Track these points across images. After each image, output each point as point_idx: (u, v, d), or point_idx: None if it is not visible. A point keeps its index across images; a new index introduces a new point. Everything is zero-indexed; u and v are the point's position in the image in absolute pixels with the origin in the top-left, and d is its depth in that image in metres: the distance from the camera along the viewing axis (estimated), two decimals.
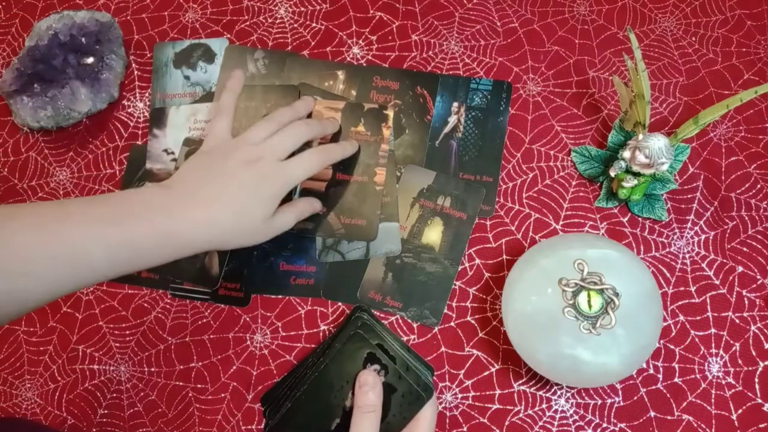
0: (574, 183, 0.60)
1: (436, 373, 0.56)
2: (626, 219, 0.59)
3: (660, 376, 0.55)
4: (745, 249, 0.58)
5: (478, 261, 0.59)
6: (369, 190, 0.60)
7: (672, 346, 0.55)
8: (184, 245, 0.46)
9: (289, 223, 0.53)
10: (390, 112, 0.62)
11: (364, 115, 0.62)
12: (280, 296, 0.59)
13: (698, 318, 0.56)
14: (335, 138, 0.61)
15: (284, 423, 0.50)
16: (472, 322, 0.57)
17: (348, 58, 0.65)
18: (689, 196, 0.59)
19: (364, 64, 0.65)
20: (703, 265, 0.57)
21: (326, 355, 0.51)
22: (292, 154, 0.53)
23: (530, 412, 0.55)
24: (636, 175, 0.54)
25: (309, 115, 0.60)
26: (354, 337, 0.51)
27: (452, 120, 0.62)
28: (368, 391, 0.48)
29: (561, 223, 0.59)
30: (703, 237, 0.58)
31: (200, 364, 0.58)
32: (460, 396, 0.55)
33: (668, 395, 0.54)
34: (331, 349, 0.51)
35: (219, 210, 0.47)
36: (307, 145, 0.55)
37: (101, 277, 0.44)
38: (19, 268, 0.40)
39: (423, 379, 0.50)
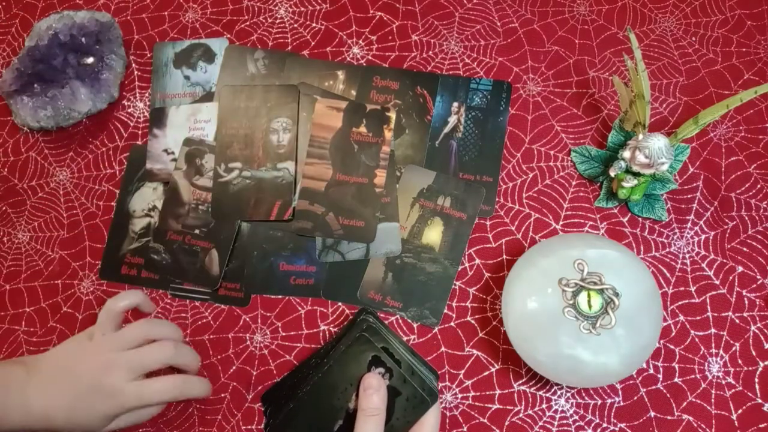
0: (574, 183, 0.60)
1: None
2: (626, 219, 0.59)
3: (660, 376, 0.55)
4: (745, 249, 0.58)
5: (478, 261, 0.59)
6: (368, 191, 0.60)
7: (672, 346, 0.55)
8: (21, 423, 0.49)
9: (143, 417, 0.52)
10: (392, 114, 0.62)
11: (366, 116, 0.62)
12: (280, 296, 0.59)
13: (698, 318, 0.56)
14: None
15: (286, 423, 0.50)
16: (472, 322, 0.57)
17: (348, 58, 0.65)
18: (689, 196, 0.59)
19: (364, 64, 0.65)
20: (703, 265, 0.57)
21: (330, 356, 0.51)
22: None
23: (530, 412, 0.55)
24: (636, 175, 0.54)
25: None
26: (359, 340, 0.51)
27: (452, 120, 0.62)
28: (373, 394, 0.48)
29: (561, 223, 0.59)
30: (703, 237, 0.58)
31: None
32: (460, 396, 0.55)
33: (668, 395, 0.54)
34: (336, 350, 0.51)
35: (55, 410, 0.49)
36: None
37: None
38: None
39: (428, 383, 0.50)
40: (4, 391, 0.49)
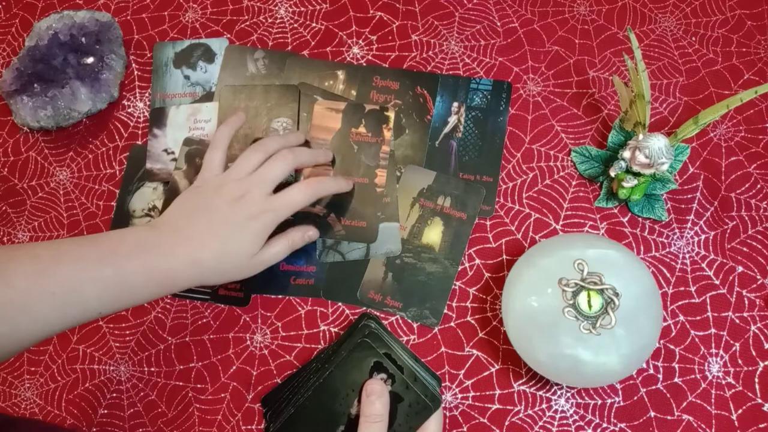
0: (574, 183, 0.60)
1: (436, 374, 0.56)
2: (626, 219, 0.59)
3: (660, 376, 0.55)
4: (745, 249, 0.58)
5: (478, 261, 0.59)
6: (369, 191, 0.60)
7: (672, 346, 0.55)
8: (171, 284, 0.48)
9: (280, 254, 0.53)
10: (391, 114, 0.62)
11: (365, 117, 0.62)
12: (280, 296, 0.59)
13: (698, 318, 0.56)
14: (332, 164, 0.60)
15: (287, 428, 0.50)
16: (472, 322, 0.57)
17: (348, 58, 0.65)
18: (689, 196, 0.59)
19: (364, 64, 0.65)
20: (703, 265, 0.57)
21: (331, 361, 0.51)
22: (286, 185, 0.53)
23: (530, 412, 0.55)
24: (636, 175, 0.54)
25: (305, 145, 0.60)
26: (361, 345, 0.51)
27: (452, 120, 0.62)
28: (375, 401, 0.48)
29: (561, 223, 0.59)
30: (703, 237, 0.58)
31: (200, 364, 0.58)
32: (460, 396, 0.55)
33: (668, 395, 0.54)
34: (337, 355, 0.51)
35: (202, 251, 0.48)
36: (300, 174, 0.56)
37: (94, 314, 0.45)
38: (17, 311, 0.42)
39: (431, 389, 0.50)
40: (140, 252, 0.46)
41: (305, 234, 0.56)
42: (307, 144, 0.60)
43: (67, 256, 0.44)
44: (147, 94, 0.66)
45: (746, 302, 0.56)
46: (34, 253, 0.44)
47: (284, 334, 0.58)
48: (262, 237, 0.50)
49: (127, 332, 0.59)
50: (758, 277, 0.57)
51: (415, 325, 0.57)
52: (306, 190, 0.53)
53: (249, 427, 0.56)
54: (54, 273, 0.43)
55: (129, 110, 0.66)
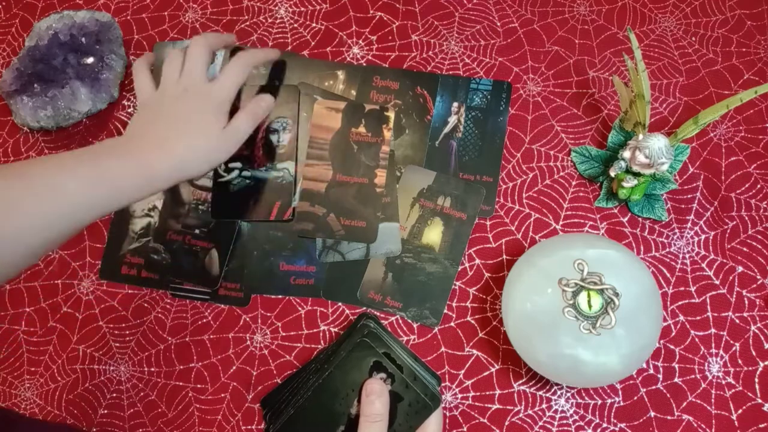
0: (574, 183, 0.60)
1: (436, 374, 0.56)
2: (626, 219, 0.59)
3: (660, 376, 0.55)
4: (745, 249, 0.58)
5: (478, 261, 0.59)
6: (369, 191, 0.60)
7: (672, 346, 0.55)
8: (149, 181, 0.49)
9: (247, 126, 0.54)
10: (391, 114, 0.62)
11: (365, 116, 0.62)
12: (280, 296, 0.59)
13: (698, 318, 0.56)
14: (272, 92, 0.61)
15: (287, 428, 0.50)
16: (472, 322, 0.57)
17: (348, 58, 0.65)
18: (689, 196, 0.59)
19: (364, 64, 0.65)
20: (703, 265, 0.57)
21: (331, 361, 0.51)
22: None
23: (530, 412, 0.55)
24: (636, 175, 0.54)
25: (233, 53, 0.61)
26: (360, 345, 0.51)
27: (452, 120, 0.62)
28: (375, 400, 0.48)
29: (561, 223, 0.59)
30: (703, 237, 0.58)
31: (200, 364, 0.58)
32: (460, 396, 0.55)
33: (668, 395, 0.54)
34: (336, 355, 0.51)
35: (172, 145, 0.50)
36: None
37: (81, 216, 0.46)
38: (10, 217, 0.43)
39: (430, 388, 0.50)
40: (115, 152, 0.48)
41: (263, 102, 0.57)
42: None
43: (46, 159, 0.47)
44: None
45: (746, 302, 0.56)
46: (22, 164, 0.46)
47: (284, 334, 0.58)
48: (221, 112, 0.53)
49: (127, 332, 0.59)
50: (758, 277, 0.57)
51: (415, 325, 0.57)
52: (238, 64, 0.55)
53: (249, 427, 0.56)
54: (40, 175, 0.45)
55: (129, 110, 0.66)
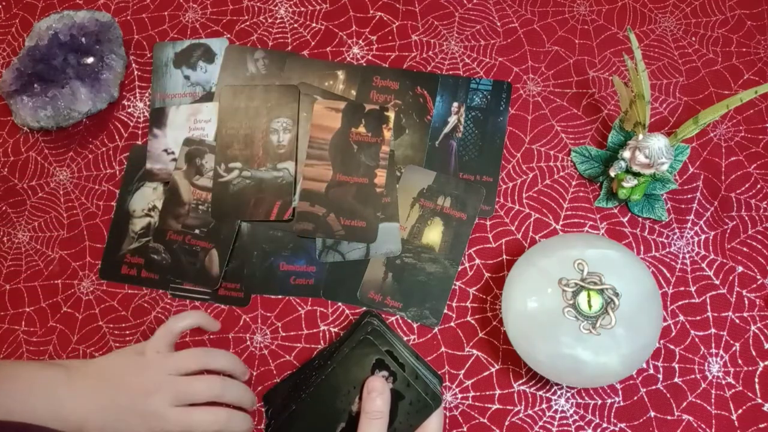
0: (574, 183, 0.60)
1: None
2: (626, 219, 0.59)
3: (660, 376, 0.55)
4: (745, 249, 0.58)
5: (478, 261, 0.59)
6: (369, 191, 0.60)
7: (672, 346, 0.55)
8: (54, 422, 0.47)
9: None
10: (391, 114, 0.62)
11: (365, 116, 0.62)
12: (280, 296, 0.59)
13: (698, 318, 0.56)
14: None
15: (288, 424, 0.50)
16: (472, 322, 0.57)
17: (348, 58, 0.65)
18: (689, 196, 0.59)
19: (364, 64, 0.65)
20: (703, 265, 0.57)
21: (333, 358, 0.51)
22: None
23: (530, 412, 0.55)
24: (636, 175, 0.54)
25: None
26: (363, 343, 0.51)
27: (452, 120, 0.62)
28: (376, 398, 0.48)
29: (561, 223, 0.59)
30: (703, 237, 0.58)
31: None
32: (460, 396, 0.55)
33: (668, 395, 0.54)
34: (339, 353, 0.51)
35: (93, 418, 0.48)
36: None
37: None
38: None
39: (431, 387, 0.50)
40: (40, 392, 0.47)
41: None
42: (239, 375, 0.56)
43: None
44: (147, 94, 0.66)
45: (746, 302, 0.56)
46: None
47: (284, 334, 0.58)
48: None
49: (127, 332, 0.59)
50: (758, 277, 0.57)
51: (415, 325, 0.57)
52: (210, 424, 0.49)
53: None
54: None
55: (129, 110, 0.66)
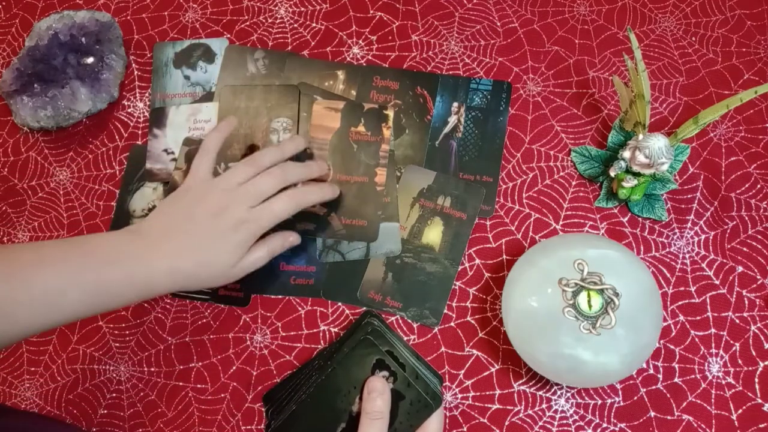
0: (574, 183, 0.60)
1: None
2: (626, 219, 0.59)
3: (660, 376, 0.55)
4: (745, 249, 0.58)
5: (478, 261, 0.59)
6: (370, 190, 0.60)
7: (672, 346, 0.55)
8: (150, 291, 0.49)
9: (261, 260, 0.53)
10: (390, 112, 0.62)
11: (364, 115, 0.62)
12: (280, 296, 0.59)
13: (698, 318, 0.56)
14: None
15: (288, 425, 0.50)
16: (472, 322, 0.57)
17: (348, 58, 0.65)
18: (689, 196, 0.59)
19: (364, 64, 0.65)
20: (703, 265, 0.57)
21: (334, 359, 0.51)
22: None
23: (530, 412, 0.55)
24: (636, 175, 0.54)
25: (303, 155, 0.59)
26: (363, 343, 0.51)
27: (452, 120, 0.62)
28: (377, 398, 0.48)
29: (561, 223, 0.59)
30: (703, 237, 0.58)
31: (200, 364, 0.58)
32: (460, 396, 0.55)
33: (668, 395, 0.54)
34: (340, 353, 0.51)
35: (181, 262, 0.49)
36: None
37: (72, 318, 0.46)
38: (3, 323, 0.42)
39: (432, 387, 0.50)
40: (121, 258, 0.47)
41: (285, 240, 0.56)
42: (304, 154, 0.59)
43: (48, 260, 0.45)
44: (147, 94, 0.66)
45: (746, 302, 0.56)
46: (15, 256, 0.45)
47: (284, 334, 0.58)
48: (242, 248, 0.51)
49: (127, 332, 0.59)
50: (758, 277, 0.57)
51: (415, 325, 0.57)
52: (289, 201, 0.53)
53: (249, 427, 0.56)
54: (34, 278, 0.44)
55: (129, 110, 0.66)
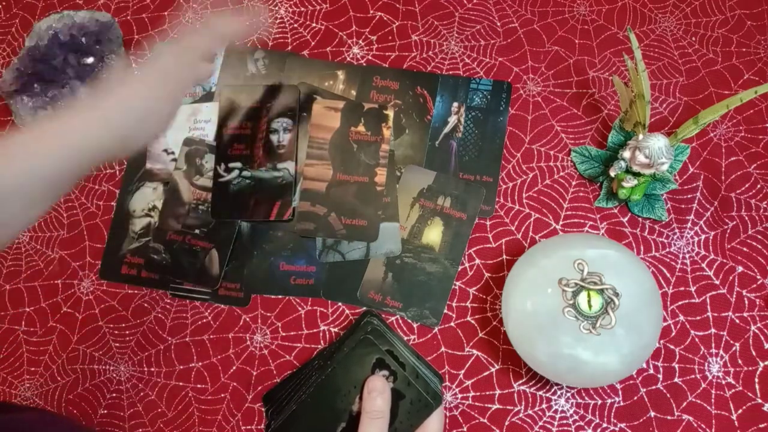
0: (574, 183, 0.60)
1: None
2: (626, 219, 0.59)
3: (660, 376, 0.55)
4: (745, 249, 0.58)
5: (478, 261, 0.59)
6: (370, 190, 0.60)
7: (672, 346, 0.55)
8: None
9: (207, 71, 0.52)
10: (390, 112, 0.62)
11: (364, 115, 0.62)
12: (280, 296, 0.59)
13: (698, 318, 0.56)
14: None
15: (288, 425, 0.50)
16: (472, 322, 0.57)
17: (348, 58, 0.65)
18: (689, 196, 0.59)
19: (364, 64, 0.65)
20: (703, 265, 0.57)
21: (334, 358, 0.51)
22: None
23: (530, 412, 0.55)
24: (636, 175, 0.54)
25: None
26: (363, 342, 0.51)
27: (452, 120, 0.62)
28: (377, 397, 0.48)
29: (561, 223, 0.59)
30: (703, 237, 0.58)
31: (200, 364, 0.58)
32: (460, 396, 0.55)
33: (668, 395, 0.54)
34: (339, 352, 0.51)
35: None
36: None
37: (85, 155, 0.44)
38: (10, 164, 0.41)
39: (432, 386, 0.50)
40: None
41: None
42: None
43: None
44: None
45: (746, 302, 0.56)
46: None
47: (284, 334, 0.58)
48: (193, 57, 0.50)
49: (127, 332, 0.59)
50: (758, 277, 0.57)
51: (415, 325, 0.57)
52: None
53: (249, 427, 0.56)
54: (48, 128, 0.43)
55: None
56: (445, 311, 0.57)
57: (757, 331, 0.55)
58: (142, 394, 0.58)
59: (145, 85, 0.48)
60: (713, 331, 0.56)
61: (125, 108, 0.47)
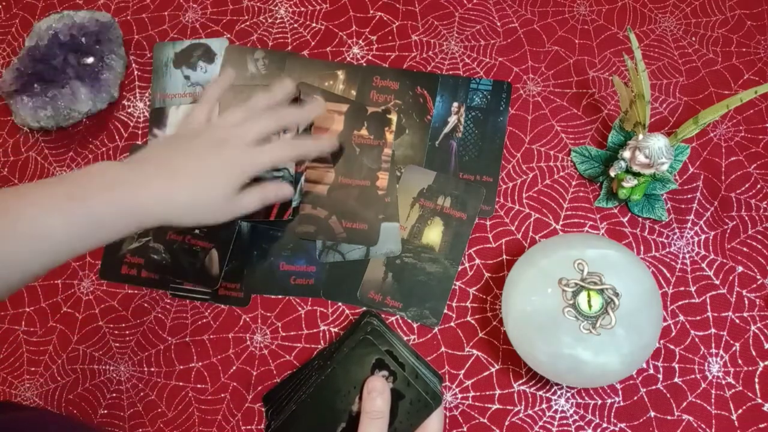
0: (574, 183, 0.60)
1: None
2: (626, 219, 0.59)
3: (660, 376, 0.55)
4: (745, 249, 0.58)
5: (478, 261, 0.59)
6: (371, 194, 0.60)
7: (672, 346, 0.55)
8: (142, 219, 0.46)
9: (253, 204, 0.51)
10: (393, 117, 0.62)
11: (367, 119, 0.62)
12: (280, 296, 0.59)
13: (698, 318, 0.56)
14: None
15: (288, 425, 0.50)
16: (472, 322, 0.57)
17: (348, 58, 0.65)
18: (689, 196, 0.59)
19: (364, 64, 0.65)
20: (703, 265, 0.57)
21: (333, 358, 0.51)
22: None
23: (530, 412, 0.55)
24: (636, 175, 0.54)
25: (297, 100, 0.60)
26: (363, 342, 0.51)
27: (452, 120, 0.62)
28: (376, 397, 0.48)
29: (561, 223, 0.59)
30: (703, 237, 0.58)
31: (200, 364, 0.58)
32: (460, 396, 0.55)
33: (668, 395, 0.54)
34: (339, 353, 0.51)
35: (175, 188, 0.47)
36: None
37: (69, 252, 0.44)
38: None
39: (432, 387, 0.50)
40: (112, 186, 0.45)
41: (280, 190, 0.55)
42: (297, 101, 0.61)
43: (30, 194, 0.43)
44: (147, 94, 0.66)
45: (746, 302, 0.56)
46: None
47: (284, 334, 0.58)
48: (237, 181, 0.50)
49: (127, 332, 0.59)
50: (758, 277, 0.57)
51: (415, 325, 0.57)
52: (285, 146, 0.53)
53: (249, 427, 0.56)
54: (16, 210, 0.42)
55: (129, 110, 0.66)
56: (445, 311, 0.57)
57: (757, 331, 0.55)
58: (142, 394, 0.58)
59: None
60: (713, 331, 0.56)
61: None
